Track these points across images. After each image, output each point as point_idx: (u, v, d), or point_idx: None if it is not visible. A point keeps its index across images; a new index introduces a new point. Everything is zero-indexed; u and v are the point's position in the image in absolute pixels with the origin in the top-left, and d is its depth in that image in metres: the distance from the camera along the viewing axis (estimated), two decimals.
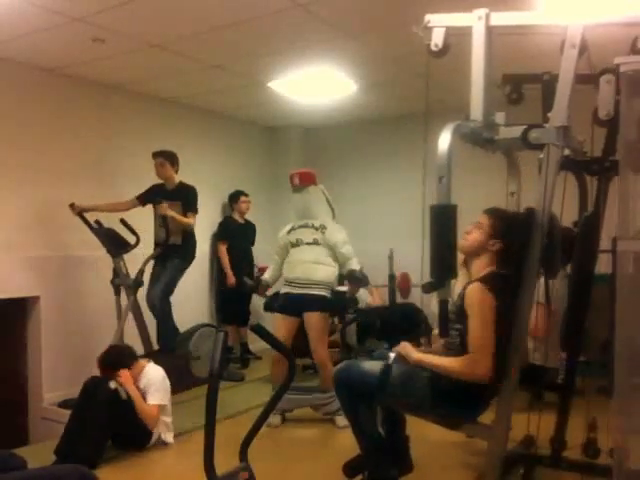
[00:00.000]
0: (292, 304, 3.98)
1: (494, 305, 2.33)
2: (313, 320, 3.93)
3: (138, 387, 3.58)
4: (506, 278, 2.46)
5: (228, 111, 6.26)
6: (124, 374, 3.54)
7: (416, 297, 5.87)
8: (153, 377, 3.63)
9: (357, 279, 3.95)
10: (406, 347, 2.57)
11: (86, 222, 4.61)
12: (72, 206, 4.57)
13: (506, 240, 2.50)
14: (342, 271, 4.06)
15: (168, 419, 3.67)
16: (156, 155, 4.82)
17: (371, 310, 5.75)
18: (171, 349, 4.57)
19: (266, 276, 4.27)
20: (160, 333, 4.81)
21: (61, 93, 4.85)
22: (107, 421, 3.38)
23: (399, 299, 5.93)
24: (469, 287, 2.41)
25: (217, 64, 4.62)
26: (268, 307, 4.33)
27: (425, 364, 2.46)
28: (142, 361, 3.74)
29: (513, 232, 2.51)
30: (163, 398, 3.60)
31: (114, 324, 4.64)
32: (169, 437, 3.66)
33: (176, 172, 4.88)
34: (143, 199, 4.85)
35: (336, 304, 4.07)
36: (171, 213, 4.63)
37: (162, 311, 4.77)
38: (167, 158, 4.81)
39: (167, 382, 3.67)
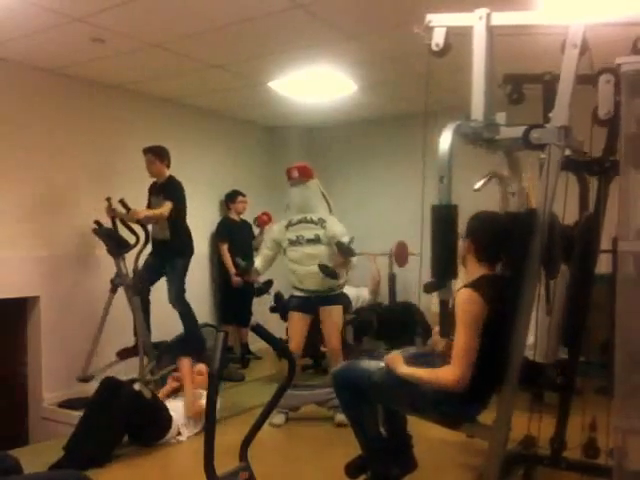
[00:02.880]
0: (309, 303, 4.08)
1: (483, 310, 2.31)
2: (332, 313, 4.08)
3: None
4: (498, 279, 2.46)
5: (228, 111, 6.26)
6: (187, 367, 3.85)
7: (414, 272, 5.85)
8: None
9: (347, 249, 3.92)
10: (394, 360, 2.55)
11: (113, 224, 4.65)
12: (109, 201, 4.57)
13: (473, 237, 2.50)
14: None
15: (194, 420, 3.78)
16: (145, 152, 4.80)
17: (369, 308, 5.76)
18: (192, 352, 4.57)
19: (257, 263, 4.31)
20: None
21: (61, 93, 4.85)
22: (124, 423, 3.45)
23: (396, 269, 5.94)
24: (458, 293, 2.39)
25: (217, 64, 4.62)
26: (259, 293, 4.47)
27: (408, 377, 2.45)
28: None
29: (479, 229, 2.51)
30: None
31: (114, 324, 4.64)
32: (180, 436, 3.71)
33: (167, 167, 4.84)
34: (149, 205, 4.89)
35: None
36: (144, 214, 4.63)
37: (182, 314, 4.78)
38: (156, 154, 4.79)
39: None
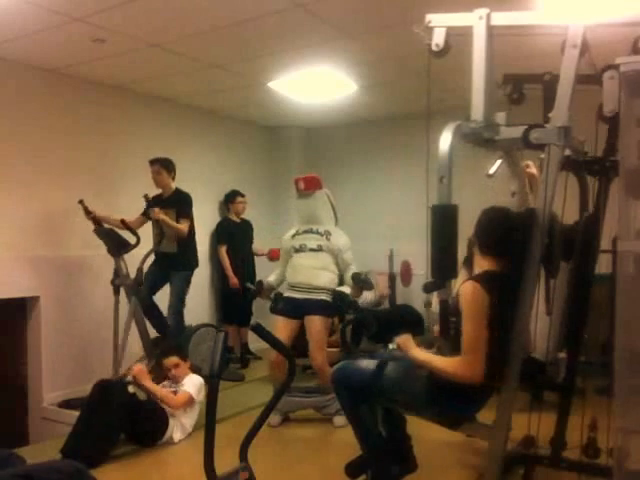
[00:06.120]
0: (294, 307, 3.98)
1: (487, 302, 2.31)
2: (314, 324, 3.93)
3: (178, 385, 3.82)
4: (500, 276, 2.46)
5: (228, 111, 6.26)
6: (138, 369, 3.74)
7: (417, 287, 5.85)
8: (196, 379, 3.84)
9: (363, 282, 3.97)
10: (407, 341, 2.55)
11: (97, 224, 4.61)
12: (82, 202, 4.54)
13: (476, 230, 2.55)
14: (343, 276, 4.07)
15: (187, 421, 3.75)
16: (152, 163, 4.82)
17: (368, 311, 5.72)
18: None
19: (271, 279, 4.27)
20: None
21: (61, 93, 4.85)
22: (118, 424, 3.46)
23: (400, 288, 5.94)
24: (462, 286, 2.40)
25: (217, 64, 4.62)
26: (273, 310, 4.41)
27: (420, 362, 2.45)
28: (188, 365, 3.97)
29: (482, 222, 2.54)
30: (197, 395, 3.75)
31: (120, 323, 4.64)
32: (177, 436, 3.70)
33: (173, 179, 4.88)
34: (147, 212, 4.89)
35: (337, 307, 4.05)
36: (162, 217, 4.65)
37: (173, 327, 4.82)
38: (163, 166, 4.81)
39: (204, 391, 3.78)
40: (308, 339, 3.97)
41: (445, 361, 2.38)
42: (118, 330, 4.58)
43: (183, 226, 4.73)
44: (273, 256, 5.98)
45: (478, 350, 2.27)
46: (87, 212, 4.56)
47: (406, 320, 3.80)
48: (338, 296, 3.94)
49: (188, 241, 4.90)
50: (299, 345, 4.09)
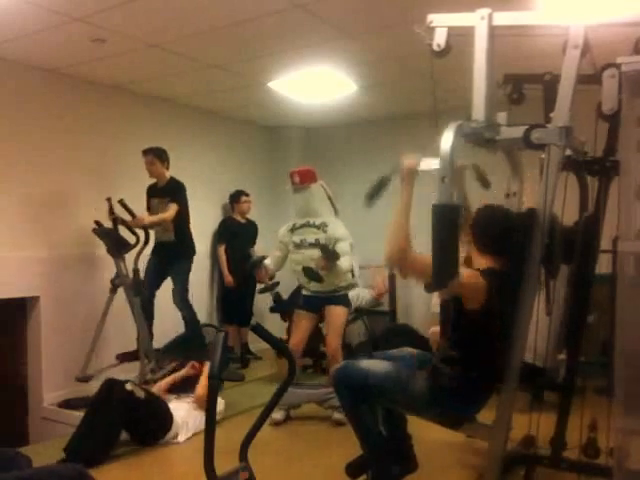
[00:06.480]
0: (315, 303, 4.12)
1: (485, 290, 2.30)
2: (335, 312, 4.08)
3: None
4: (500, 274, 2.46)
5: (228, 111, 6.26)
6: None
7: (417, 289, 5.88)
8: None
9: (328, 252, 3.83)
10: (412, 171, 2.49)
11: (115, 226, 4.62)
12: (109, 200, 4.54)
13: (473, 227, 2.55)
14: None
15: (194, 421, 3.76)
16: (145, 153, 4.83)
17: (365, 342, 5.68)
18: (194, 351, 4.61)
19: (268, 262, 4.29)
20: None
21: (61, 93, 4.85)
22: (118, 422, 3.49)
23: (400, 289, 5.96)
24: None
25: (217, 64, 4.62)
26: (264, 291, 4.45)
27: (394, 213, 2.44)
28: None
29: (479, 219, 2.55)
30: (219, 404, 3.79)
31: (114, 324, 4.64)
32: (179, 437, 3.71)
33: (167, 168, 4.89)
34: (149, 207, 4.92)
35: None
36: (149, 220, 4.67)
37: (186, 316, 4.86)
38: (156, 155, 4.81)
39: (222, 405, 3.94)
40: (327, 326, 4.12)
41: (395, 233, 2.35)
42: (103, 327, 4.59)
43: (168, 213, 4.70)
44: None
45: (423, 268, 2.16)
46: (111, 212, 4.57)
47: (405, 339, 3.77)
48: (306, 272, 3.96)
49: (185, 228, 4.90)
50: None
